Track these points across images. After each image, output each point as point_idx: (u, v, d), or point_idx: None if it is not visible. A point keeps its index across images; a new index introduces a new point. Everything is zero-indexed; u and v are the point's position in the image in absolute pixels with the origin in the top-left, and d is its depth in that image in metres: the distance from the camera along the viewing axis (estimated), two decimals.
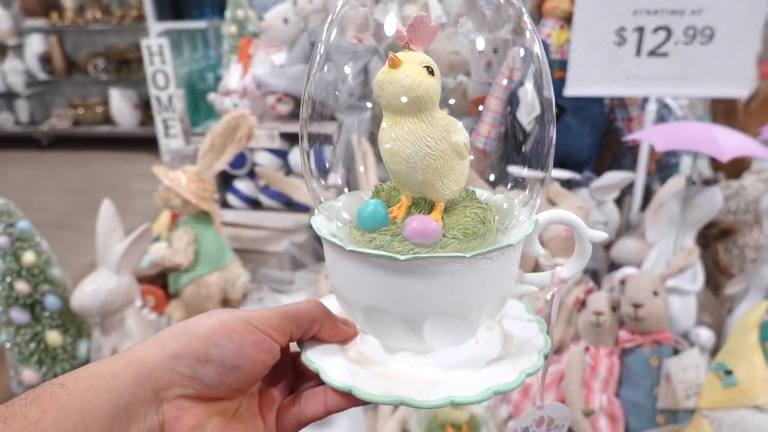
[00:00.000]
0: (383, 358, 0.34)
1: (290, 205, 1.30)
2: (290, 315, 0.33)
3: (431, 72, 0.30)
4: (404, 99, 0.30)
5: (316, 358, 0.34)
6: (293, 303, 0.34)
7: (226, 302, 1.06)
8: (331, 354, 0.34)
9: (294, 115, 1.26)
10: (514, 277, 0.34)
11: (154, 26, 3.39)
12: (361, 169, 0.94)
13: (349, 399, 0.32)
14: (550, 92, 0.37)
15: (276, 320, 0.32)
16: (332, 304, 0.39)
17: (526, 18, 0.36)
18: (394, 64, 0.30)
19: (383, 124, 0.31)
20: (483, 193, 0.38)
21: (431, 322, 0.32)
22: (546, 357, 0.34)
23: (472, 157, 0.34)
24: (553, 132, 0.37)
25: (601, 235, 0.34)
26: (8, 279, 0.84)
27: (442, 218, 0.32)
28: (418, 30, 0.31)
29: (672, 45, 0.98)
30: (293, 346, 0.35)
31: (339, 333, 0.35)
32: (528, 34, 0.36)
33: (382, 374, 0.33)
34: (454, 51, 1.27)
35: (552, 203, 1.00)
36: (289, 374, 0.35)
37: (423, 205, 0.33)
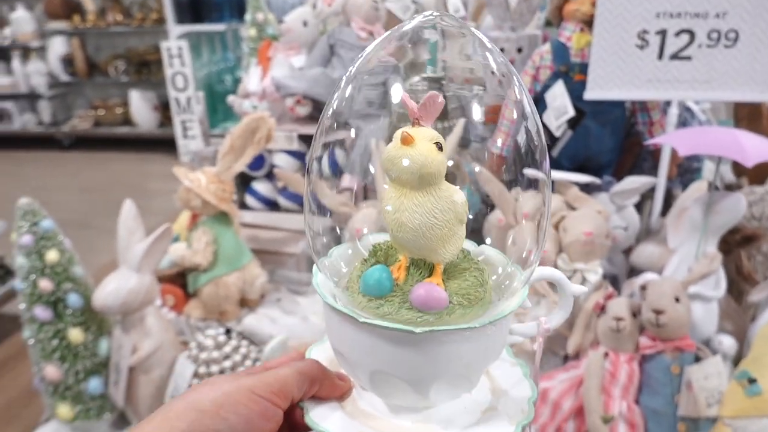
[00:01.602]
0: (384, 415, 0.36)
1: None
2: (292, 379, 0.33)
3: (440, 148, 0.31)
4: (416, 175, 0.31)
5: (319, 418, 0.34)
6: (294, 362, 0.35)
7: (244, 302, 1.07)
8: (332, 412, 0.35)
9: (313, 118, 1.26)
10: (508, 333, 0.37)
11: (174, 29, 3.43)
12: (378, 172, 0.94)
13: None
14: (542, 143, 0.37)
15: (278, 386, 0.32)
16: (323, 351, 0.40)
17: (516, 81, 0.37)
18: (407, 142, 0.31)
19: (388, 194, 0.32)
20: (469, 247, 0.39)
21: (438, 384, 0.33)
22: (534, 404, 0.36)
23: (470, 217, 0.35)
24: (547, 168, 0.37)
25: (582, 289, 0.37)
26: (32, 277, 0.86)
27: (443, 281, 0.33)
28: (429, 108, 0.32)
29: (695, 48, 0.96)
30: None
31: (336, 390, 0.36)
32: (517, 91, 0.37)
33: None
34: (468, 69, 1.26)
35: (571, 207, 0.99)
36: (285, 429, 0.35)
37: (422, 266, 0.34)
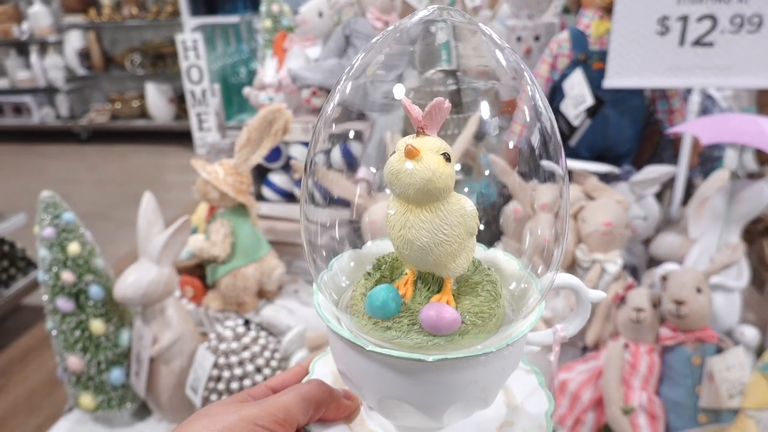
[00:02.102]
0: None
1: (332, 201, 1.30)
2: (295, 405, 0.32)
3: (448, 159, 0.29)
4: (423, 191, 0.28)
5: None
6: (298, 386, 0.33)
7: (262, 294, 1.07)
8: None
9: None
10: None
11: (189, 21, 3.44)
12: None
13: None
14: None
15: (282, 415, 0.31)
16: (327, 364, 0.38)
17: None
18: (412, 156, 0.28)
19: (391, 210, 0.30)
20: (479, 252, 0.37)
21: (452, 409, 0.31)
22: (552, 416, 0.35)
23: (482, 227, 0.33)
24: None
25: (601, 295, 0.35)
26: (55, 269, 0.87)
27: (454, 297, 0.31)
28: (434, 116, 0.29)
29: (717, 34, 0.94)
30: None
31: (344, 411, 0.34)
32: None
33: None
34: (483, 65, 1.25)
35: (590, 197, 0.98)
36: None
37: (431, 280, 0.32)
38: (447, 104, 0.29)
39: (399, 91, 0.31)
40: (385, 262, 0.34)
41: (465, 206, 0.30)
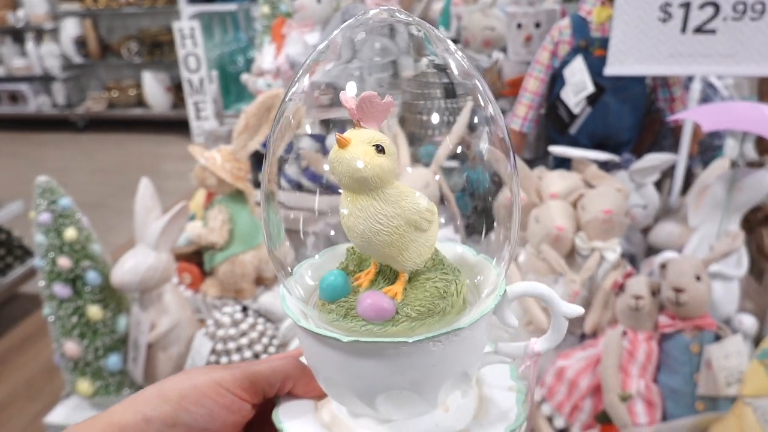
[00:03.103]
0: (350, 423, 0.34)
1: (327, 188, 1.30)
2: (262, 374, 0.34)
3: (381, 150, 0.29)
4: (352, 179, 0.29)
5: (285, 417, 0.34)
6: (271, 358, 0.35)
7: (260, 281, 1.07)
8: (302, 413, 0.35)
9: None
10: (479, 351, 0.33)
11: (186, 9, 3.41)
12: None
13: None
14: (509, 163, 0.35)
15: (247, 381, 0.33)
16: None
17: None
18: (342, 145, 0.29)
19: (342, 196, 0.31)
20: (459, 249, 0.36)
21: (383, 398, 0.32)
22: None
23: (443, 220, 0.33)
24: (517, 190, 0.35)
25: (576, 310, 0.32)
26: (51, 254, 0.87)
27: (405, 289, 0.31)
28: (366, 109, 0.30)
29: (720, 21, 0.94)
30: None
31: (314, 389, 0.35)
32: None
33: None
34: (489, 27, 1.24)
35: (589, 185, 0.98)
36: (272, 427, 0.36)
37: (389, 273, 0.32)
38: (385, 99, 0.30)
39: (349, 88, 0.31)
40: (355, 252, 0.35)
41: (405, 197, 0.30)
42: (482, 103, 0.34)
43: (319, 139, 1.29)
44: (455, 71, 0.35)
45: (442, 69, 0.35)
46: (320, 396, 0.36)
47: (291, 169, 1.33)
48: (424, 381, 0.31)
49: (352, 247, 0.35)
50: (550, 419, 0.84)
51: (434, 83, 1.03)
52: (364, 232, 0.30)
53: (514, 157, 0.35)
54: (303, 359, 0.36)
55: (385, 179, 0.30)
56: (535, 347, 0.34)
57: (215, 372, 0.33)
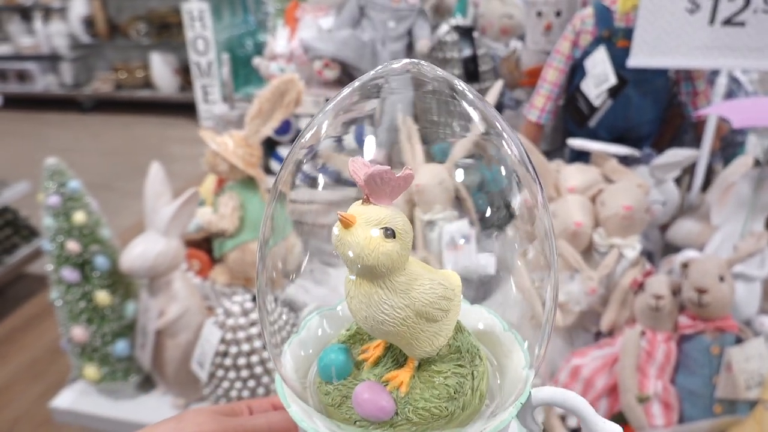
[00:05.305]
0: None
1: (338, 180, 1.28)
2: (258, 430, 0.34)
3: (391, 235, 0.25)
4: (356, 266, 0.26)
5: None
6: (269, 414, 0.36)
7: None
8: None
9: (341, 82, 1.23)
10: None
11: None
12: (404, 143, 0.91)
13: None
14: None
15: None
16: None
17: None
18: (345, 225, 0.25)
19: (346, 276, 0.28)
20: (487, 316, 0.32)
21: None
22: None
23: (462, 298, 0.29)
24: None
25: (615, 429, 0.28)
26: (60, 238, 0.85)
27: (413, 377, 0.28)
28: (375, 187, 0.26)
29: (750, 13, 0.91)
30: None
31: None
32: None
33: None
34: (507, 14, 1.21)
35: (609, 180, 0.96)
36: None
37: (399, 352, 0.29)
38: (406, 173, 0.26)
39: (369, 144, 0.29)
40: None
41: (416, 286, 0.27)
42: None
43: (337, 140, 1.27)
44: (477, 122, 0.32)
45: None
46: None
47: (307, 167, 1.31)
48: None
49: None
50: (563, 418, 0.82)
51: (454, 58, 0.98)
52: (367, 318, 0.27)
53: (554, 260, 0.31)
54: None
55: (392, 267, 0.26)
56: None
57: (207, 424, 0.32)
